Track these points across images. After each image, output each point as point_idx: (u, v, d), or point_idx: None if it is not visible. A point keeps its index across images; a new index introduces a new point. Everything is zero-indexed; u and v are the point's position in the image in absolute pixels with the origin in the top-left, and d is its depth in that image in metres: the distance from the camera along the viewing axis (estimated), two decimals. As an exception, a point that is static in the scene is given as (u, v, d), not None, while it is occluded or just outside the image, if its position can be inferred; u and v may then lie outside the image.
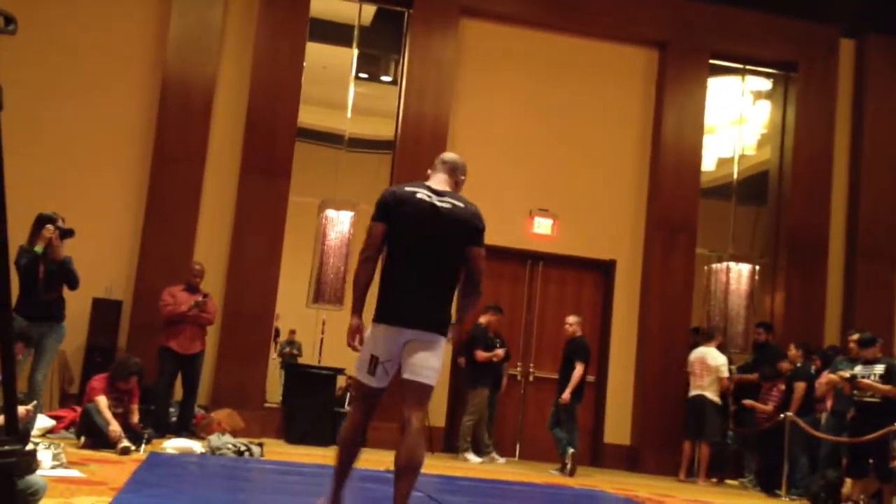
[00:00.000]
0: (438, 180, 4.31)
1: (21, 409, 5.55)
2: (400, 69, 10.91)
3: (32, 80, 9.49)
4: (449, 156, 4.51)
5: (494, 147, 10.87)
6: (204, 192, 9.98)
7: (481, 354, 9.66)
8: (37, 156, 9.39)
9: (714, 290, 11.48)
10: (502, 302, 10.40)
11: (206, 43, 10.09)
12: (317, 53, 10.73)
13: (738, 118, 11.90)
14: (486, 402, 9.75)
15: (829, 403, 9.10)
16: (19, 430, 2.05)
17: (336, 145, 10.81)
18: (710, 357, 9.84)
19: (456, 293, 4.22)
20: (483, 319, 9.90)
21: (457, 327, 4.10)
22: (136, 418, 7.29)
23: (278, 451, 8.28)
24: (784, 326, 10.97)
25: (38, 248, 7.06)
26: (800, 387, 9.15)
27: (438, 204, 4.13)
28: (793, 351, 9.51)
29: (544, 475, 8.91)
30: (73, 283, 7.37)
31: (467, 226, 4.13)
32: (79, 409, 7.62)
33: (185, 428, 8.63)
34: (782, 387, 9.50)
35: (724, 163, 11.85)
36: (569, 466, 8.95)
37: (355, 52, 10.93)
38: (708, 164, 11.61)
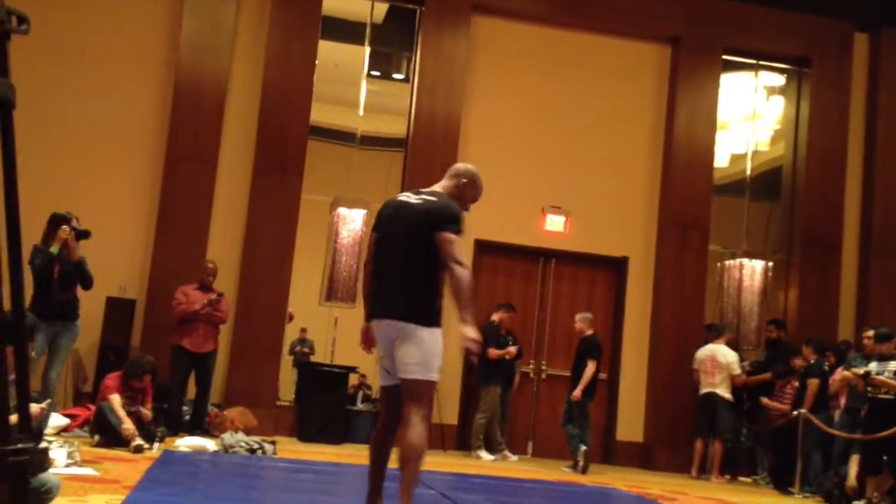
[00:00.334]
0: (437, 185, 4.48)
1: (35, 408, 5.59)
2: (412, 67, 10.91)
3: (45, 80, 9.54)
4: (458, 166, 4.66)
5: (506, 144, 10.86)
6: (217, 190, 10.01)
7: (494, 352, 9.65)
8: (50, 155, 9.44)
9: (727, 286, 11.43)
10: (515, 299, 10.40)
11: (219, 42, 10.11)
12: (329, 51, 10.74)
13: (751, 114, 11.85)
14: (498, 399, 9.75)
15: (842, 400, 9.05)
16: (32, 429, 2.06)
17: (348, 143, 10.82)
18: (720, 354, 9.80)
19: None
20: (495, 317, 9.90)
21: (467, 328, 4.05)
22: (149, 417, 7.31)
23: (291, 449, 8.30)
24: (798, 323, 10.93)
25: (54, 250, 7.10)
26: (813, 383, 9.10)
27: (412, 200, 4.29)
28: (805, 350, 9.47)
29: (557, 473, 8.90)
30: (88, 284, 7.41)
31: (433, 213, 4.20)
32: (93, 407, 7.66)
33: (199, 426, 8.66)
34: (796, 384, 9.45)
35: (737, 159, 11.80)
36: (581, 464, 8.93)
37: (367, 49, 10.93)
38: (721, 160, 11.57)
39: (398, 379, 4.13)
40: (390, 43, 11.26)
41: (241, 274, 9.87)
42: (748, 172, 11.76)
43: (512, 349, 9.81)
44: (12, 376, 2.21)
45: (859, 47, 11.74)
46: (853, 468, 8.09)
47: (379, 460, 4.26)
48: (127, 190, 9.98)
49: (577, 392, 9.15)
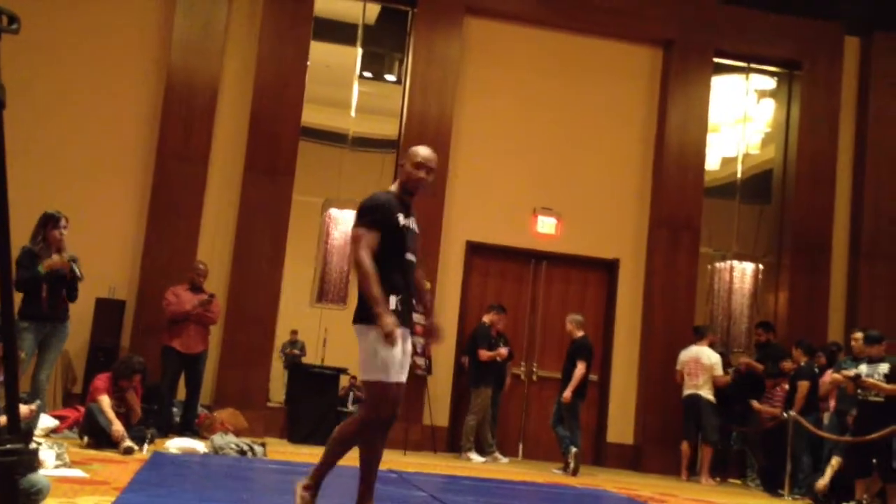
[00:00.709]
0: None
1: (24, 409, 5.56)
2: (404, 68, 10.91)
3: (36, 80, 9.51)
4: None
5: (498, 146, 10.87)
6: (208, 191, 9.99)
7: (484, 353, 9.65)
8: (40, 155, 9.41)
9: (717, 288, 11.47)
10: (506, 301, 10.40)
11: (210, 43, 10.10)
12: (321, 52, 10.73)
13: (742, 117, 11.89)
14: (489, 401, 9.75)
15: (831, 403, 9.08)
16: (21, 429, 2.05)
17: (340, 144, 10.81)
18: (704, 356, 9.81)
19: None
20: (486, 318, 9.90)
21: (381, 322, 3.93)
22: (138, 418, 7.29)
23: (281, 450, 8.28)
24: (787, 325, 10.97)
25: (42, 270, 7.04)
26: (803, 386, 9.12)
27: None
28: (795, 353, 9.49)
29: (547, 475, 8.91)
30: (73, 298, 7.37)
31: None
32: (82, 408, 7.62)
33: (189, 428, 8.63)
34: (786, 386, 9.48)
35: (728, 161, 11.83)
36: (572, 465, 8.94)
37: (359, 51, 10.93)
38: (712, 162, 11.60)
39: None
40: (382, 44, 11.25)
41: (231, 275, 9.85)
42: (739, 175, 11.79)
43: (503, 351, 9.81)
44: (1, 377, 2.20)
45: (850, 50, 11.78)
46: (829, 470, 8.15)
47: (368, 459, 4.23)
48: (117, 190, 9.95)
49: (567, 393, 9.15)
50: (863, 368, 8.04)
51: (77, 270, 7.22)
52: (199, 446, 7.41)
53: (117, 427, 6.87)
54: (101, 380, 7.29)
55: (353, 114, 10.87)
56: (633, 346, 10.93)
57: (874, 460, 7.80)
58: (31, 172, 9.03)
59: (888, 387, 7.74)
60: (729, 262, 11.52)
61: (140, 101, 10.09)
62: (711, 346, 10.02)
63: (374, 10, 11.03)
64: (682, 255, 10.98)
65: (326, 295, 10.30)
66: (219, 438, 7.59)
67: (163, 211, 9.75)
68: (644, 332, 10.92)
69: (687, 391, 9.85)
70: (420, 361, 9.77)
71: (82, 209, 8.65)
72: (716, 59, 11.44)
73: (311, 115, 10.53)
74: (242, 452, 7.35)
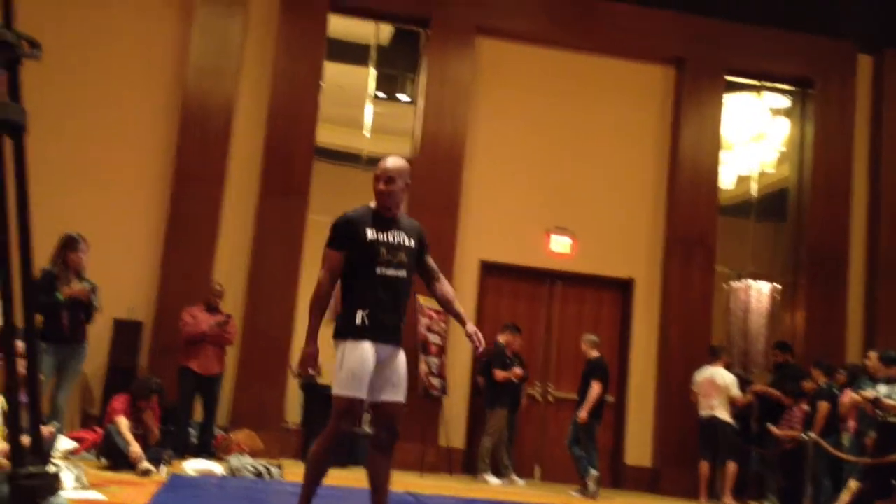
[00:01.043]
0: None
1: (43, 430, 5.58)
2: (417, 88, 10.96)
3: (54, 102, 9.57)
4: None
5: (511, 165, 10.88)
6: (223, 211, 10.03)
7: (500, 374, 9.60)
8: (59, 176, 9.46)
9: (734, 308, 11.40)
10: (520, 321, 10.35)
11: (226, 64, 10.17)
12: (335, 73, 10.80)
13: (756, 135, 11.86)
14: (505, 422, 9.68)
15: (851, 424, 8.99)
16: (44, 452, 2.06)
17: (354, 164, 10.85)
18: (719, 377, 9.68)
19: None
20: (501, 339, 9.86)
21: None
22: (156, 439, 7.28)
23: (297, 472, 8.20)
24: (805, 345, 10.88)
25: (61, 297, 7.06)
26: (823, 407, 9.04)
27: None
28: (814, 372, 9.41)
29: (565, 497, 8.84)
30: (90, 321, 7.39)
31: None
32: (100, 430, 7.62)
33: (205, 449, 8.62)
34: (805, 407, 9.39)
35: (742, 180, 11.80)
36: (591, 488, 8.83)
37: (373, 71, 10.99)
38: (726, 181, 11.57)
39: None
40: (395, 65, 11.31)
41: (247, 295, 9.87)
42: (753, 193, 11.76)
43: (518, 371, 9.76)
44: (23, 400, 2.21)
45: (863, 68, 11.76)
46: (846, 495, 8.04)
47: (373, 481, 4.24)
48: (134, 211, 10.00)
49: (583, 413, 9.09)
50: (882, 389, 7.97)
51: (94, 302, 7.25)
52: (217, 468, 7.40)
53: (135, 449, 6.86)
54: (119, 401, 7.29)
55: (366, 134, 10.91)
56: (650, 367, 10.86)
57: (894, 482, 7.71)
58: (50, 193, 9.06)
59: (908, 408, 7.67)
60: (745, 281, 11.46)
61: (157, 122, 10.16)
62: (727, 367, 9.92)
63: (387, 31, 11.10)
64: (697, 274, 10.93)
65: (341, 315, 10.28)
66: (235, 460, 7.58)
67: (179, 231, 9.79)
68: (660, 352, 10.85)
69: (703, 412, 9.75)
70: (435, 382, 9.75)
71: (100, 230, 8.68)
72: (728, 78, 11.44)
73: (326, 136, 10.58)
74: (259, 474, 7.33)
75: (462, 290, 10.43)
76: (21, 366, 2.56)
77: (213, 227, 9.93)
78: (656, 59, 11.42)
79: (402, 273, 4.25)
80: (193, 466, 7.34)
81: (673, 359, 10.70)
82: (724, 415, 9.61)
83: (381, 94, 11.13)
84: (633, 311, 10.98)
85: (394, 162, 4.35)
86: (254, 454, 8.44)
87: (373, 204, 4.40)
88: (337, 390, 4.11)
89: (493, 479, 9.46)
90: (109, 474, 6.62)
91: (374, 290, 4.17)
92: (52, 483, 2.11)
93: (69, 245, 7.19)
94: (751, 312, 11.38)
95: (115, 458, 6.93)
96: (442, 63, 10.72)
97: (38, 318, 6.91)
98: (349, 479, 7.64)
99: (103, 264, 8.11)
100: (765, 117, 11.96)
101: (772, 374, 10.45)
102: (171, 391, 8.29)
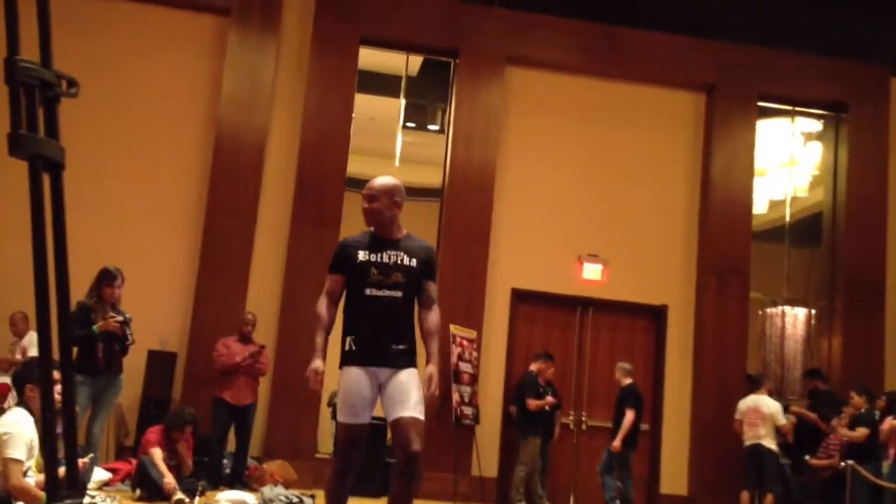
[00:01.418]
0: None
1: (79, 462, 5.60)
2: (447, 118, 11.02)
3: (89, 137, 9.74)
4: None
5: (542, 193, 10.88)
6: (256, 243, 10.11)
7: (533, 403, 9.54)
8: (94, 209, 9.60)
9: (769, 334, 11.27)
10: (553, 349, 10.30)
11: (258, 98, 10.30)
12: (365, 104, 10.89)
13: (788, 160, 11.77)
14: (538, 451, 9.61)
15: (891, 451, 8.82)
16: (80, 483, 2.08)
17: (385, 195, 10.88)
18: (764, 405, 9.55)
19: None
20: (534, 367, 9.81)
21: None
22: (190, 470, 7.32)
23: (330, 502, 8.23)
24: (842, 371, 10.72)
25: (96, 330, 7.14)
26: (862, 432, 8.88)
27: None
28: (856, 398, 9.25)
29: (600, 526, 8.74)
30: (126, 352, 7.46)
31: None
32: (134, 461, 7.68)
33: (238, 479, 8.63)
34: (843, 429, 9.23)
35: (776, 205, 11.71)
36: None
37: (403, 101, 11.08)
38: (760, 206, 11.48)
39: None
40: (425, 95, 11.39)
41: (279, 325, 9.92)
42: (787, 219, 11.65)
43: (551, 399, 9.71)
44: (59, 430, 2.23)
45: (896, 91, 11.67)
46: None
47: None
48: (168, 244, 10.11)
49: (617, 442, 9.01)
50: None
51: (129, 335, 7.31)
52: (250, 498, 7.41)
53: (169, 480, 6.90)
54: (154, 432, 7.35)
55: (397, 164, 10.98)
56: (685, 394, 10.75)
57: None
58: (85, 226, 9.20)
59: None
60: (780, 308, 11.33)
61: (190, 155, 10.30)
62: (769, 394, 9.79)
63: (416, 62, 11.19)
64: (731, 301, 10.83)
65: (373, 345, 10.29)
66: (268, 490, 7.59)
67: (212, 263, 9.88)
68: (695, 379, 10.74)
69: (748, 441, 9.58)
70: (467, 411, 9.71)
71: (134, 262, 8.78)
72: (760, 103, 11.38)
73: (356, 166, 10.65)
74: (292, 504, 7.34)
75: (494, 317, 10.44)
76: (57, 396, 2.59)
77: (245, 259, 10.01)
78: (687, 86, 11.40)
79: (398, 294, 4.22)
80: (227, 497, 7.35)
81: (708, 386, 10.58)
82: (770, 443, 9.45)
83: (410, 125, 11.20)
84: (666, 339, 10.89)
85: (377, 181, 4.40)
86: (287, 484, 8.45)
87: (372, 228, 4.42)
88: (338, 417, 4.21)
89: (526, 510, 9.38)
90: (144, 505, 6.66)
91: (364, 313, 4.21)
92: (88, 514, 2.13)
93: (106, 279, 7.29)
94: (786, 339, 11.24)
95: (149, 488, 6.98)
96: (472, 92, 10.78)
97: (74, 351, 6.98)
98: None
99: (138, 297, 8.20)
100: (797, 142, 11.88)
101: (808, 401, 10.30)
102: (204, 422, 8.34)
